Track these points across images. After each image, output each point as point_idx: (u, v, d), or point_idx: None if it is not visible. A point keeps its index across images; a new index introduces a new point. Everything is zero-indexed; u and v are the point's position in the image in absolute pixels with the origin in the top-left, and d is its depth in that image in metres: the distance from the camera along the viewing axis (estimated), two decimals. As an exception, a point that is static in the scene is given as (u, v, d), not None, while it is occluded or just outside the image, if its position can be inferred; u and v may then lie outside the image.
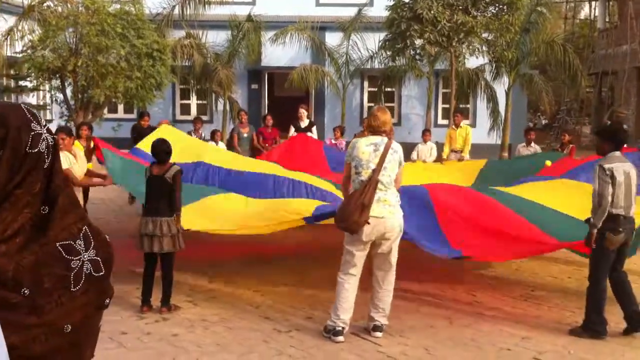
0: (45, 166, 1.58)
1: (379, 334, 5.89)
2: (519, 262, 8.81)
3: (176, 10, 20.67)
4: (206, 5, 20.60)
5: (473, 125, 21.87)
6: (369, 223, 5.60)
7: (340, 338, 5.75)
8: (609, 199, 5.79)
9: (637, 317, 6.01)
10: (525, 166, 10.19)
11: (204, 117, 22.21)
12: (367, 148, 5.74)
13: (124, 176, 8.15)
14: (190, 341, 5.73)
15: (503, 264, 8.69)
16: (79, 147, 9.59)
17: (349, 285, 5.81)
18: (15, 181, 1.53)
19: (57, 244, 1.57)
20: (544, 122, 34.71)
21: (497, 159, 18.64)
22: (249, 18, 20.67)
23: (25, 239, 1.53)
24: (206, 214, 7.40)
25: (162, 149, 6.64)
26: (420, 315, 6.60)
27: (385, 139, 5.81)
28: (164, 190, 6.47)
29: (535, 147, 11.96)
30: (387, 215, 5.70)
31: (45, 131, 1.59)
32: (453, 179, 9.57)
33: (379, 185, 5.65)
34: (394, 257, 5.91)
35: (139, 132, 12.03)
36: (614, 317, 6.12)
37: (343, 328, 5.80)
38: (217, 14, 20.76)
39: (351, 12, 20.82)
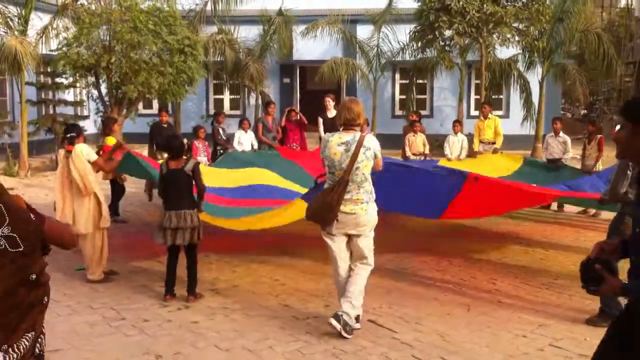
0: None
1: (334, 322, 5.57)
2: (545, 252, 8.80)
3: (208, 7, 20.89)
4: (238, 1, 20.79)
5: (506, 116, 21.75)
6: (337, 220, 5.61)
7: (356, 325, 5.81)
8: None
9: None
10: (563, 174, 10.24)
11: (237, 112, 22.62)
12: (338, 148, 5.58)
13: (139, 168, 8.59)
14: (209, 328, 5.87)
15: (528, 254, 8.68)
16: (111, 141, 9.76)
17: (341, 278, 5.83)
18: None
19: None
20: (582, 112, 34.09)
21: (530, 155, 18.47)
22: (280, 12, 20.94)
23: None
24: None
25: (176, 145, 6.79)
26: (438, 303, 6.64)
27: (358, 135, 5.60)
28: (183, 183, 6.64)
29: (564, 137, 11.75)
30: (358, 212, 5.62)
31: None
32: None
33: (351, 184, 5.56)
34: (367, 250, 5.80)
35: (159, 131, 12.19)
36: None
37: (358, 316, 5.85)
38: (249, 9, 20.94)
39: (381, 4, 20.77)
